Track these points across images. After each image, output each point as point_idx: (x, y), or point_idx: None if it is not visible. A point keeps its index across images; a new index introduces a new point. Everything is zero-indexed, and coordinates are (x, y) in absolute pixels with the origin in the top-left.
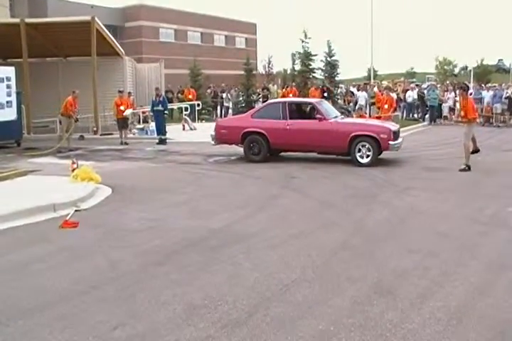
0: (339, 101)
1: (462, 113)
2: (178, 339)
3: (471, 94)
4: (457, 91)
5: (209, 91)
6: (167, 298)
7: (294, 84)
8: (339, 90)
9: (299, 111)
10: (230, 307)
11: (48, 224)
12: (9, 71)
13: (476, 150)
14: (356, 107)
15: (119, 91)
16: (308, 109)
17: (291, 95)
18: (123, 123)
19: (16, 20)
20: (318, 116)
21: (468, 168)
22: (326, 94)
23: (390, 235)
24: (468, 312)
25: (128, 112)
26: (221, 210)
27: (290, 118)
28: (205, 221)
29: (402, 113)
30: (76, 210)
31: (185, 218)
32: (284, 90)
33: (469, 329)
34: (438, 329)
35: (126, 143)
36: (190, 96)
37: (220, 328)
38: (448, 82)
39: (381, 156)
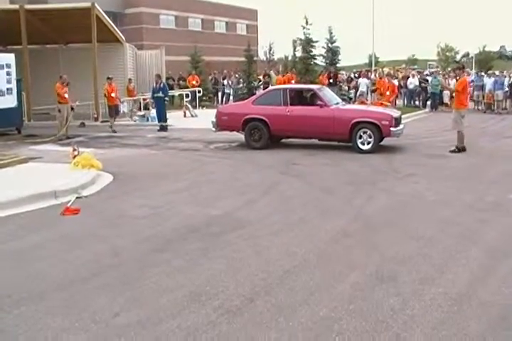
0: (341, 87)
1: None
2: (180, 326)
3: (472, 81)
4: (456, 72)
5: (210, 77)
6: (168, 285)
7: (293, 70)
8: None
9: (300, 98)
10: (231, 294)
11: (50, 211)
12: (9, 58)
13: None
14: (357, 94)
15: (108, 78)
16: (309, 95)
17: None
18: (115, 110)
19: (16, 6)
20: (319, 102)
21: (458, 150)
22: (331, 81)
23: (391, 222)
24: (469, 299)
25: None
26: (222, 197)
27: (291, 105)
28: (206, 207)
29: (403, 100)
30: (77, 197)
31: (186, 205)
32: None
33: (470, 315)
34: (439, 315)
35: (114, 131)
36: (194, 82)
37: (222, 314)
38: (450, 68)
39: (382, 143)
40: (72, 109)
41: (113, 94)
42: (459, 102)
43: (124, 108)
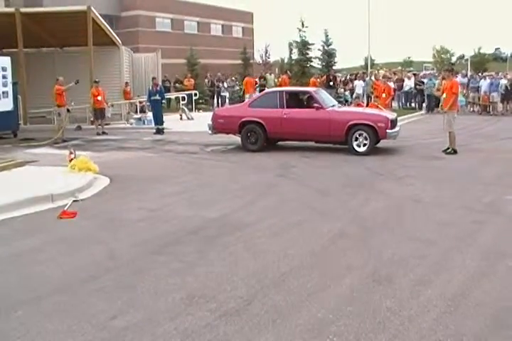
0: (338, 90)
1: (445, 95)
2: (177, 328)
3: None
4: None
5: (206, 80)
6: (166, 287)
7: (287, 72)
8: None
9: (296, 100)
10: (228, 296)
11: (46, 215)
12: (5, 61)
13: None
14: (353, 96)
15: (95, 82)
16: (305, 97)
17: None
18: (100, 113)
19: (11, 9)
20: (315, 105)
21: (454, 152)
22: (331, 83)
23: (388, 223)
24: (465, 300)
25: None
26: (219, 199)
27: (287, 108)
28: (203, 210)
29: (399, 102)
30: (74, 200)
31: (183, 207)
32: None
33: (466, 316)
34: (435, 316)
35: (105, 133)
36: (187, 83)
37: (219, 317)
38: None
39: (378, 145)
40: (68, 111)
41: (99, 98)
42: (452, 103)
43: (108, 113)
